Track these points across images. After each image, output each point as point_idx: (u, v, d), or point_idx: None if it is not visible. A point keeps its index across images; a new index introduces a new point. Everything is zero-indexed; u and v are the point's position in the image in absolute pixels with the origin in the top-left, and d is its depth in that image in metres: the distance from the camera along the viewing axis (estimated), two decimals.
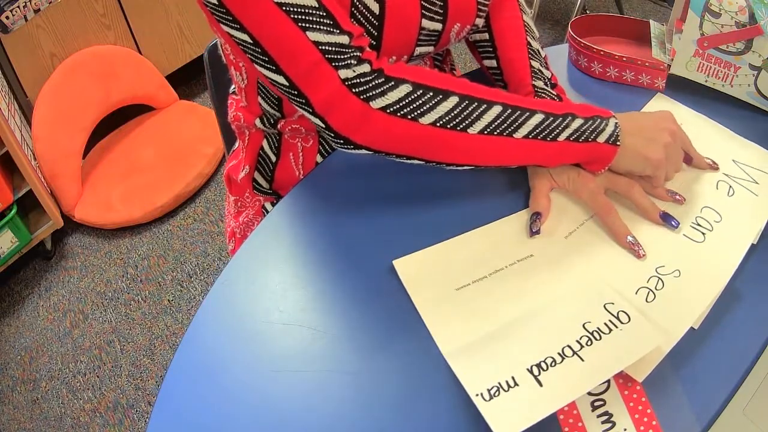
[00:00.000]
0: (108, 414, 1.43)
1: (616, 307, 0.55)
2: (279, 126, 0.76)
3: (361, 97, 0.54)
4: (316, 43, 0.52)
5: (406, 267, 0.61)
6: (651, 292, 0.56)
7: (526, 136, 0.59)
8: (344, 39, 0.53)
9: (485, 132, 0.57)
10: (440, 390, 0.52)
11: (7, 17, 1.65)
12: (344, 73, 0.53)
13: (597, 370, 0.50)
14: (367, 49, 0.57)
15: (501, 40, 0.78)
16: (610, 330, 0.53)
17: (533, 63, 0.74)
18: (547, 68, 0.75)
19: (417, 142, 0.57)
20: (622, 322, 0.53)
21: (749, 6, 0.68)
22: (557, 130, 0.60)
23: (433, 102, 0.55)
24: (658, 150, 0.62)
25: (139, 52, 2.01)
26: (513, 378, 0.50)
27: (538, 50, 0.76)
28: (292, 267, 0.63)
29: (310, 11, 0.52)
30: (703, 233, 0.61)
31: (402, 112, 0.54)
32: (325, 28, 0.52)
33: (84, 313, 1.65)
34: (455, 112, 0.55)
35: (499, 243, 0.63)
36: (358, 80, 0.53)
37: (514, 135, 0.58)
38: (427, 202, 0.68)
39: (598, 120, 0.62)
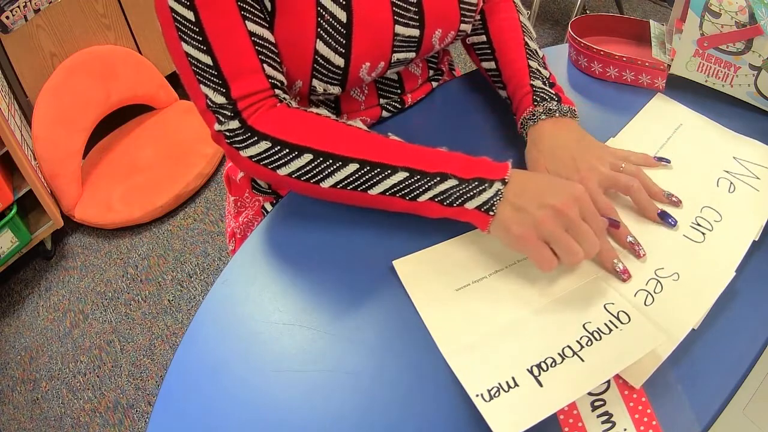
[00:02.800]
0: (108, 414, 1.43)
1: (616, 307, 0.55)
2: None
3: (232, 146, 0.62)
4: (205, 95, 0.60)
5: (406, 267, 0.61)
6: (649, 295, 0.56)
7: (381, 193, 0.59)
8: (222, 99, 0.60)
9: (337, 187, 0.60)
10: (440, 390, 0.52)
11: (7, 17, 1.65)
12: (216, 126, 0.62)
13: (597, 371, 0.50)
14: (266, 97, 0.62)
15: (499, 42, 0.78)
16: (610, 330, 0.53)
17: (531, 63, 0.74)
18: (546, 68, 0.75)
19: (282, 183, 0.63)
20: (622, 322, 0.53)
21: (749, 6, 0.68)
22: (419, 191, 0.58)
23: (287, 159, 0.60)
24: (525, 226, 0.55)
25: (139, 52, 2.01)
26: (513, 378, 0.50)
27: (536, 50, 0.76)
28: (292, 267, 0.63)
29: (205, 68, 0.59)
30: (703, 233, 0.61)
31: (262, 163, 0.61)
32: (213, 85, 0.60)
33: (84, 313, 1.65)
34: (307, 169, 0.60)
35: (499, 243, 0.62)
36: (226, 133, 0.61)
37: (368, 191, 0.59)
38: None
39: (476, 183, 0.57)
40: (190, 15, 0.57)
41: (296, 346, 0.56)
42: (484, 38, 0.80)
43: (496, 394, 0.49)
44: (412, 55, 0.72)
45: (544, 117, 0.68)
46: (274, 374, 0.55)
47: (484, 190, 0.57)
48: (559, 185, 0.57)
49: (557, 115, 0.68)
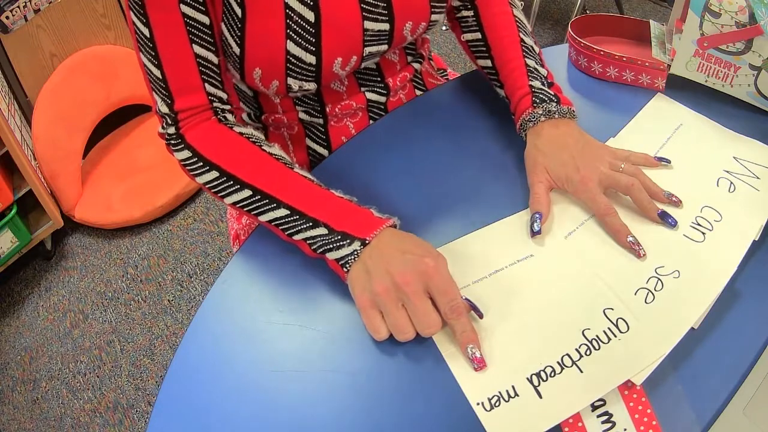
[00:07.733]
0: (108, 414, 1.43)
1: (615, 313, 0.55)
2: (262, 119, 0.80)
3: (168, 148, 0.69)
4: (154, 100, 0.67)
5: None
6: (650, 293, 0.56)
7: (269, 222, 0.63)
8: (166, 109, 0.66)
9: (236, 206, 0.65)
10: (440, 390, 0.52)
11: (7, 17, 1.65)
12: (160, 129, 0.68)
13: (596, 384, 0.50)
14: (204, 111, 0.68)
15: (494, 39, 0.77)
16: (609, 339, 0.53)
17: (528, 61, 0.73)
18: (543, 65, 0.74)
19: (206, 186, 0.67)
20: (621, 332, 0.54)
21: (749, 6, 0.68)
22: (294, 230, 0.61)
23: (200, 171, 0.66)
24: (365, 291, 0.56)
25: None
26: (513, 387, 0.50)
27: (531, 47, 0.75)
28: (293, 267, 0.63)
29: (155, 79, 0.65)
30: (703, 233, 0.61)
31: (185, 169, 0.68)
32: (161, 95, 0.66)
33: (84, 313, 1.65)
34: (213, 184, 0.65)
35: (499, 243, 0.63)
36: (165, 136, 0.68)
37: (259, 217, 0.63)
38: (426, 204, 0.68)
39: (340, 237, 0.58)
40: (146, 31, 0.62)
41: (296, 346, 0.56)
42: (478, 35, 0.79)
43: (497, 404, 0.50)
44: (385, 47, 0.73)
45: (543, 119, 0.68)
46: (274, 374, 0.55)
47: (344, 246, 0.58)
48: (409, 258, 0.55)
49: (557, 116, 0.68)
